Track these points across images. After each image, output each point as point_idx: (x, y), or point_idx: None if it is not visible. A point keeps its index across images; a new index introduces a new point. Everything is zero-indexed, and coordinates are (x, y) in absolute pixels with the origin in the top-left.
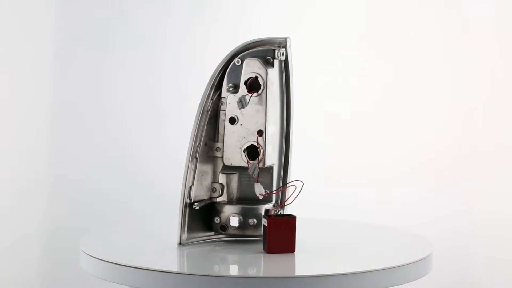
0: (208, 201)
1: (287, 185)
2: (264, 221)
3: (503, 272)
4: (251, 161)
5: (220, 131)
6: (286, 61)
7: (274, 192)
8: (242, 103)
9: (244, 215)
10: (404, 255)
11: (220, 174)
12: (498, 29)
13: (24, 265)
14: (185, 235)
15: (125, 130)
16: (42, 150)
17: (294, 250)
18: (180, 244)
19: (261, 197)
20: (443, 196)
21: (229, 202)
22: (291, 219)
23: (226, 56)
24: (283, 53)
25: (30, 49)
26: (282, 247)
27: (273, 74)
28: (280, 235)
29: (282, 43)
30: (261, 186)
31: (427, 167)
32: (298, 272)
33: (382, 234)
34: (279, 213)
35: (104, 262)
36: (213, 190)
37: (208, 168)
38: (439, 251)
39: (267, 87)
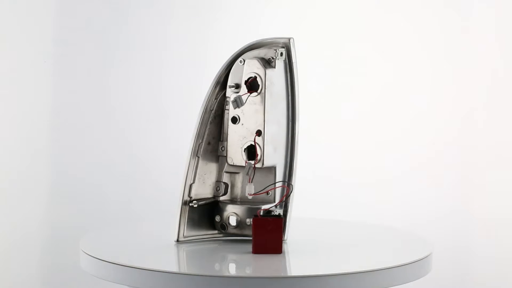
0: (211, 200)
1: (270, 187)
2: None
3: (503, 272)
4: (248, 161)
5: (225, 130)
6: (290, 61)
7: (260, 192)
8: (237, 103)
9: (245, 215)
10: (404, 255)
11: (224, 173)
12: (498, 29)
13: (24, 265)
14: (182, 233)
15: (125, 130)
16: (42, 150)
17: (280, 251)
18: (177, 241)
19: (250, 197)
20: (443, 196)
21: (232, 201)
22: (278, 220)
23: (232, 55)
24: (281, 53)
25: (30, 49)
26: (268, 248)
27: (275, 74)
28: (266, 235)
29: (286, 44)
30: (253, 186)
31: (427, 167)
32: (297, 272)
33: (382, 234)
34: (277, 213)
35: (104, 262)
36: (217, 189)
37: (212, 167)
38: (439, 251)
39: (266, 87)
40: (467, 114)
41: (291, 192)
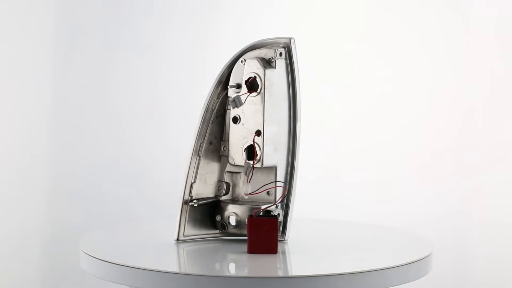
0: (213, 199)
1: (265, 187)
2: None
3: (503, 272)
4: (247, 161)
5: (226, 130)
6: (291, 61)
7: (255, 192)
8: (236, 103)
9: (245, 215)
10: (404, 255)
11: (226, 173)
12: (498, 29)
13: (24, 265)
14: (182, 232)
15: (125, 130)
16: (42, 150)
17: (276, 252)
18: (177, 240)
19: (246, 197)
20: (443, 196)
21: (233, 201)
22: (273, 220)
23: (234, 55)
24: (281, 53)
25: (30, 49)
26: (264, 248)
27: (276, 74)
28: (261, 235)
29: (287, 44)
30: (250, 186)
31: (427, 167)
32: (296, 272)
33: (382, 234)
34: (276, 214)
35: (104, 262)
36: (218, 188)
37: (214, 166)
38: (439, 251)
39: (266, 87)
40: (467, 114)
41: (287, 192)
